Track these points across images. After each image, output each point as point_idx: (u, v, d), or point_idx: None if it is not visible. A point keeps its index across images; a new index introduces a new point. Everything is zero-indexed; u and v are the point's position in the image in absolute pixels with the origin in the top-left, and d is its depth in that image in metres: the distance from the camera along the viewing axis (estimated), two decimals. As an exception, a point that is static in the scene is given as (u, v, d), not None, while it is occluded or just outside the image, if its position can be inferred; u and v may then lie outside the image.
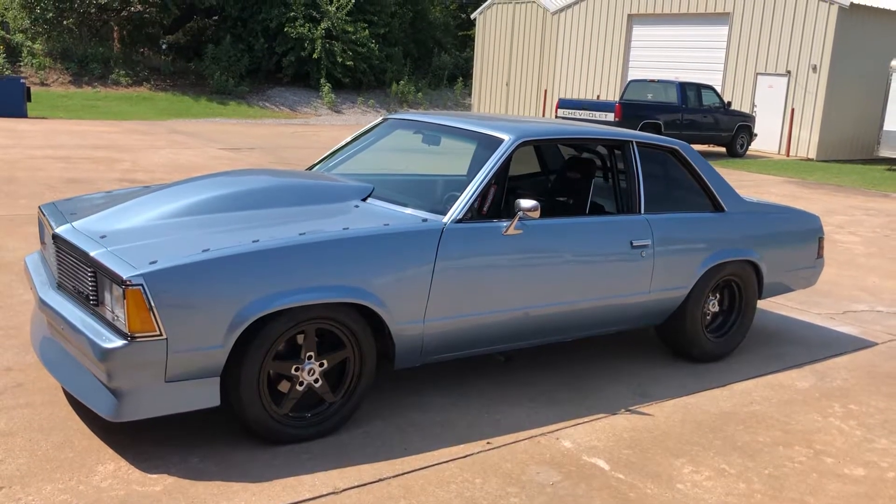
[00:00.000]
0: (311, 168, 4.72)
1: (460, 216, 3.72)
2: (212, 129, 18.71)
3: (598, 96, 24.31)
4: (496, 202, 4.45)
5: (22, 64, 24.22)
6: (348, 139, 4.86)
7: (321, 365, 3.40)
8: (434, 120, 4.50)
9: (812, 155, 19.95)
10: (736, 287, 4.90)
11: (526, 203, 3.76)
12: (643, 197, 4.44)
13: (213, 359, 3.10)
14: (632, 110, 17.24)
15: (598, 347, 4.93)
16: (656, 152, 4.63)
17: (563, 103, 18.52)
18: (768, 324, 5.70)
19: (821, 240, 5.30)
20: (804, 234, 5.20)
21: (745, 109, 20.85)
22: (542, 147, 5.42)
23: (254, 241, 3.24)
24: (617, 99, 20.65)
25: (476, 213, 3.95)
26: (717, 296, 4.85)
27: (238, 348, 3.17)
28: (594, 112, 17.53)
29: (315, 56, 26.60)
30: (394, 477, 3.18)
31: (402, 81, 29.05)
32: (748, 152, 20.03)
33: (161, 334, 2.98)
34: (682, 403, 4.16)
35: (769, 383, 4.54)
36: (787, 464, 3.55)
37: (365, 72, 28.03)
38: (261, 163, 12.76)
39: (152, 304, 2.95)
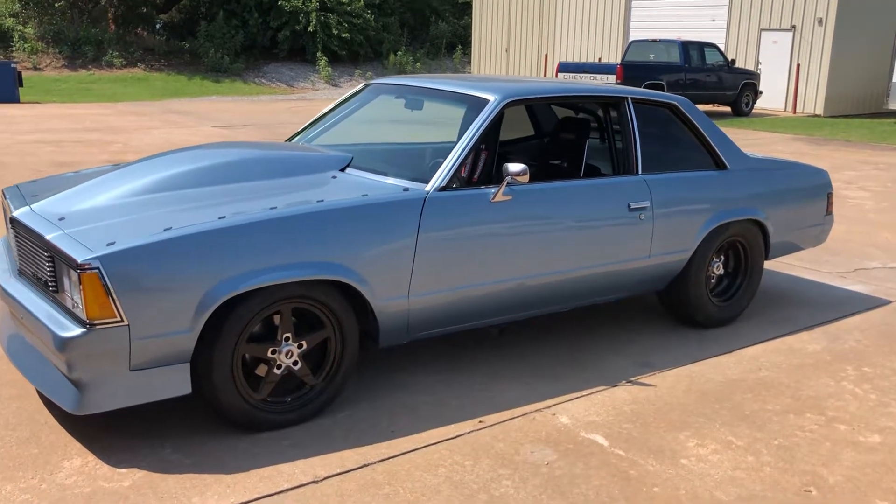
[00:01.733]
0: (290, 139, 4.50)
1: (444, 184, 3.50)
2: (207, 107, 18.44)
3: (600, 59, 23.87)
4: (486, 168, 4.22)
5: (14, 49, 23.92)
6: (329, 107, 4.63)
7: (300, 346, 3.21)
8: (416, 83, 4.26)
9: (819, 111, 19.55)
10: (741, 248, 4.67)
11: (514, 167, 3.54)
12: (640, 156, 4.20)
13: (181, 344, 2.90)
14: (633, 71, 16.88)
15: (598, 317, 4.72)
16: (653, 109, 4.38)
17: (564, 67, 18.16)
18: (776, 285, 5.48)
19: (829, 195, 5.05)
20: (812, 190, 4.95)
21: (750, 67, 20.42)
22: (535, 108, 5.17)
23: (220, 218, 3.03)
24: (618, 61, 20.25)
25: (463, 180, 3.74)
26: (722, 258, 4.63)
27: (208, 332, 2.98)
28: (595, 75, 17.18)
29: (310, 29, 26.19)
30: (378, 462, 3.00)
31: (399, 52, 28.62)
32: (754, 111, 19.64)
33: (122, 320, 2.78)
34: (687, 372, 3.95)
35: (778, 348, 4.33)
36: (797, 433, 3.35)
37: (361, 43, 27.61)
38: (254, 139, 12.53)
39: (111, 289, 2.75)
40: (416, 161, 4.01)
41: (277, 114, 17.36)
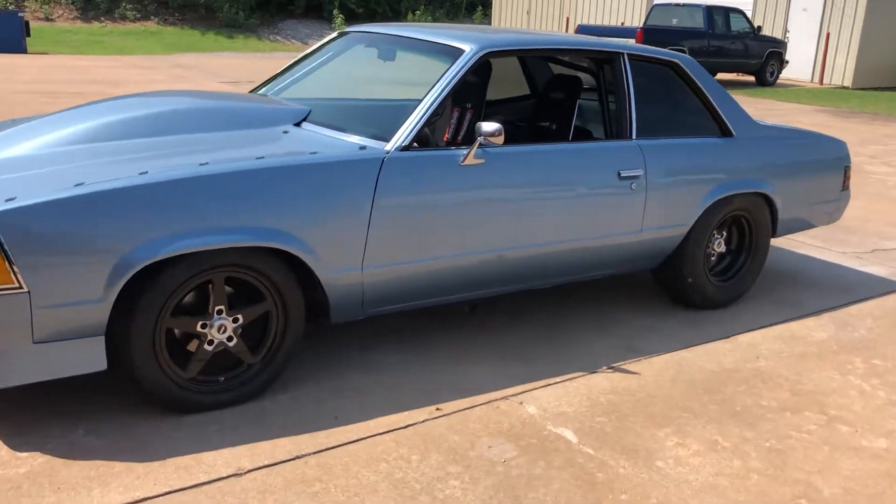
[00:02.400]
0: (255, 90, 4.12)
1: (406, 143, 3.12)
2: (217, 62, 18.03)
3: (623, 23, 23.14)
4: (470, 128, 3.85)
5: (26, -1, 23.57)
6: (299, 56, 4.24)
7: (235, 321, 2.87)
8: (391, 31, 3.87)
9: (847, 83, 18.81)
10: (746, 223, 4.27)
11: (487, 126, 3.16)
12: (635, 119, 3.79)
13: (92, 315, 2.57)
14: (654, 36, 16.24)
15: (584, 294, 4.35)
16: (652, 67, 3.96)
17: (583, 29, 17.55)
18: (783, 264, 5.07)
19: (846, 169, 4.62)
20: (827, 162, 4.52)
21: (777, 35, 19.66)
22: (531, 65, 4.75)
23: (141, 174, 2.67)
24: (640, 25, 19.57)
25: (432, 139, 3.36)
26: (724, 234, 4.23)
27: (126, 302, 2.64)
28: (615, 39, 16.55)
29: (327, -14, 25.63)
30: (313, 454, 2.67)
31: (418, 11, 27.96)
32: (778, 81, 18.95)
33: (21, 287, 2.45)
34: (677, 359, 3.58)
35: (780, 334, 3.94)
36: (793, 434, 2.98)
37: (379, 1, 26.99)
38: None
39: (7, 251, 2.41)
40: (382, 117, 3.62)
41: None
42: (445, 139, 4.23)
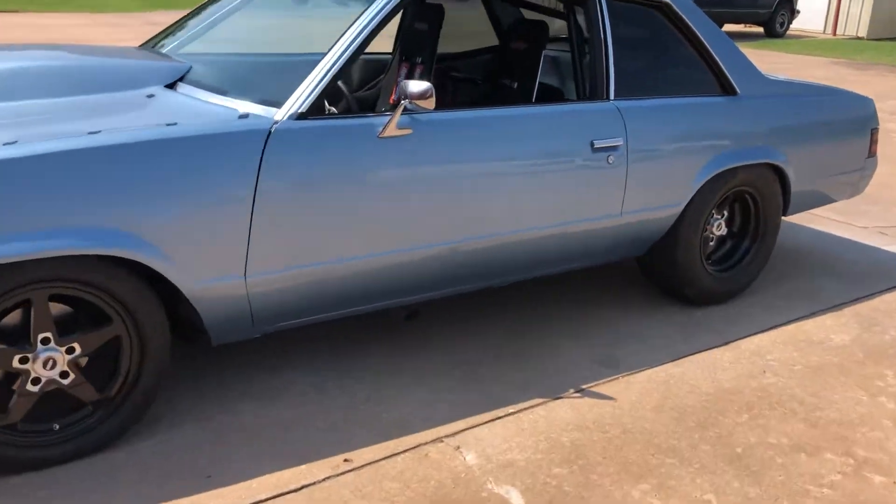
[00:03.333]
0: (147, 42, 3.34)
1: (304, 109, 2.37)
2: (195, 19, 17.11)
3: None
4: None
5: (0, -45, 22.51)
6: (205, 1, 3.46)
7: (70, 351, 2.16)
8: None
9: (862, 33, 17.79)
10: (751, 201, 3.53)
11: (414, 86, 2.41)
12: (613, 75, 3.03)
13: None
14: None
15: (563, 287, 3.62)
16: (636, 8, 3.18)
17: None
18: (794, 244, 4.33)
19: (874, 132, 3.85)
20: (851, 124, 3.75)
21: (788, -18, 18.59)
22: (496, 9, 3.97)
23: (-85, 159, 1.94)
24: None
25: (352, 103, 2.62)
26: (724, 214, 3.49)
27: None
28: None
29: (315, -62, 24.51)
30: (161, 538, 1.98)
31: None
32: (789, 31, 17.94)
33: None
34: (663, 376, 2.87)
35: (792, 338, 3.22)
36: (811, 488, 2.28)
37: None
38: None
39: None
40: (278, 77, 2.85)
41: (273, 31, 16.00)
42: (392, 101, 3.50)
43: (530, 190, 2.77)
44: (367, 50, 2.70)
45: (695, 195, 3.24)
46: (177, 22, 3.41)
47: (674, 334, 3.21)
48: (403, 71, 3.65)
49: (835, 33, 18.18)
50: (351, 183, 2.41)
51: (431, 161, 2.55)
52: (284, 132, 2.31)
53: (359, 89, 3.90)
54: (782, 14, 17.10)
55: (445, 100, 3.75)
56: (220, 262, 2.25)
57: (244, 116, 2.33)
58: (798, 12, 17.56)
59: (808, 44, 16.06)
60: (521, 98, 3.28)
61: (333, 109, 2.82)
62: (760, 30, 17.56)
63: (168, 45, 3.19)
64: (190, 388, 2.63)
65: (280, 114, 2.35)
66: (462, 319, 3.23)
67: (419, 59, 3.57)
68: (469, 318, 3.24)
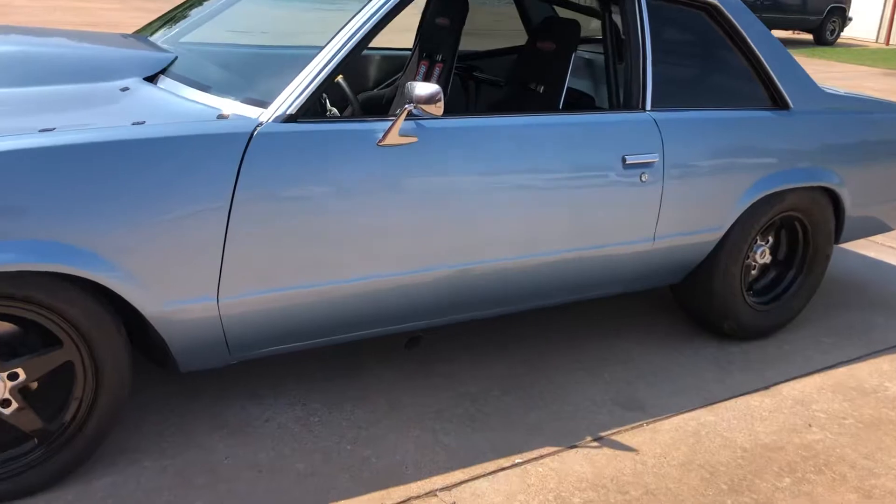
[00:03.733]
0: (143, 29, 3.07)
1: (293, 110, 2.08)
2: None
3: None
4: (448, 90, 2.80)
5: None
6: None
7: (13, 377, 1.89)
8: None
9: (916, 43, 17.15)
10: (799, 227, 3.17)
11: (421, 89, 2.11)
12: (650, 83, 2.70)
13: None
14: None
15: (585, 315, 3.30)
16: (680, 10, 2.84)
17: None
18: (847, 274, 3.95)
19: (941, 154, 3.47)
20: (915, 145, 3.38)
21: (840, -11, 17.97)
22: (527, 6, 3.66)
23: None
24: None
25: (355, 106, 2.33)
26: (769, 240, 3.14)
27: None
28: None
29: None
30: None
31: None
32: (839, 39, 17.32)
33: None
34: (693, 425, 2.54)
35: (841, 384, 2.87)
36: (862, 577, 1.94)
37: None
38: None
39: None
40: (271, 72, 2.55)
41: (302, 23, 15.80)
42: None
43: (551, 209, 2.46)
44: (391, 46, 2.41)
45: (737, 220, 2.90)
46: (177, 7, 3.14)
47: (706, 373, 2.87)
48: (422, 69, 3.36)
49: (888, 42, 17.54)
50: (344, 197, 2.11)
51: (439, 174, 2.24)
52: (268, 136, 2.02)
53: (374, 88, 3.62)
54: (833, 21, 16.50)
55: (465, 102, 3.45)
56: (188, 282, 1.97)
57: (223, 117, 2.04)
58: (850, 20, 16.96)
59: (860, 53, 15.48)
60: (547, 104, 2.96)
61: (335, 111, 2.54)
62: (809, 37, 16.99)
63: (167, 34, 2.92)
64: (157, 416, 2.36)
65: (265, 115, 2.06)
66: (467, 347, 2.92)
67: (439, 57, 3.28)
68: (475, 346, 2.93)
